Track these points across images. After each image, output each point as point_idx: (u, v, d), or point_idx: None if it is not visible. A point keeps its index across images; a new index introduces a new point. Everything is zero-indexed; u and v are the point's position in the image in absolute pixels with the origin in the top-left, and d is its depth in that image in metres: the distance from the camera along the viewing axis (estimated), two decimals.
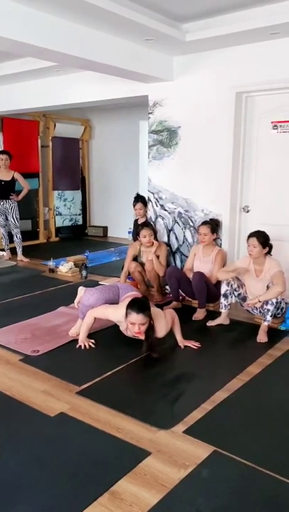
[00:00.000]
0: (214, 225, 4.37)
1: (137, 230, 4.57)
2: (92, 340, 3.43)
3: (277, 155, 4.22)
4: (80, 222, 8.61)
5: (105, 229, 8.57)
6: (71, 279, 5.43)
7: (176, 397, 2.72)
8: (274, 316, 3.78)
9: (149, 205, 5.07)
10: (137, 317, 3.01)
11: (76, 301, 4.09)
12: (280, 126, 4.16)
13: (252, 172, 4.42)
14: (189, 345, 3.42)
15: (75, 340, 3.49)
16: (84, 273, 5.44)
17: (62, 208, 8.23)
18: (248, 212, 4.53)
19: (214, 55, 4.25)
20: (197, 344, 3.44)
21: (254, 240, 3.70)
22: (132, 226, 6.20)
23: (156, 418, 2.49)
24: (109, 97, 5.18)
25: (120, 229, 8.13)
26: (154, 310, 3.27)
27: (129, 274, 4.77)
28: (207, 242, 4.35)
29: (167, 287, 4.59)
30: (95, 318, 3.41)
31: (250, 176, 4.43)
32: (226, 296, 3.92)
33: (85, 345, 3.39)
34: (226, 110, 4.26)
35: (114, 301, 3.55)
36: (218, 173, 4.43)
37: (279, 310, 3.81)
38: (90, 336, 3.48)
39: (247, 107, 4.31)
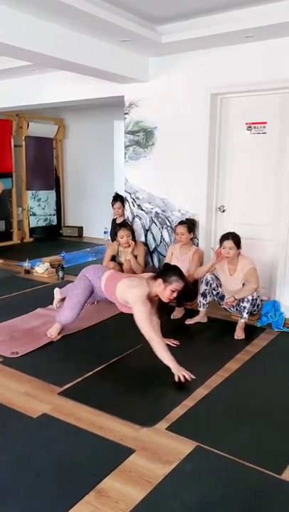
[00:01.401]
0: (191, 224, 4.43)
1: (114, 230, 4.58)
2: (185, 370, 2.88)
3: (251, 156, 4.31)
4: (55, 222, 8.55)
5: (80, 229, 8.54)
6: (48, 280, 5.39)
7: (158, 395, 2.76)
8: (250, 313, 3.87)
9: (127, 205, 5.09)
10: (181, 284, 3.07)
11: (55, 302, 4.08)
12: (254, 127, 4.26)
13: (227, 172, 4.50)
14: (168, 343, 3.41)
15: (55, 342, 3.48)
16: (61, 274, 5.41)
17: (36, 208, 8.15)
18: (223, 212, 4.60)
19: (189, 56, 4.31)
20: (176, 342, 3.47)
21: (230, 243, 3.76)
22: (107, 226, 6.20)
23: (138, 416, 2.51)
24: (85, 97, 5.17)
25: (95, 229, 8.10)
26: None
27: None
28: (184, 242, 4.40)
29: None
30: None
31: (226, 176, 4.51)
32: (204, 295, 3.98)
33: (185, 378, 2.82)
34: (202, 111, 4.32)
35: (92, 286, 3.52)
36: (194, 173, 4.49)
37: (255, 307, 3.90)
38: (69, 336, 3.46)
39: (222, 109, 4.38)
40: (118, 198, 5.56)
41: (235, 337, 3.69)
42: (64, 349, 3.42)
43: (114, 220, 5.68)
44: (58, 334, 3.59)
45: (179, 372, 2.82)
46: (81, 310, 3.56)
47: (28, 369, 3.04)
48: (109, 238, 5.86)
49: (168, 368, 2.87)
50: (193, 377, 2.83)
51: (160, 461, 2.14)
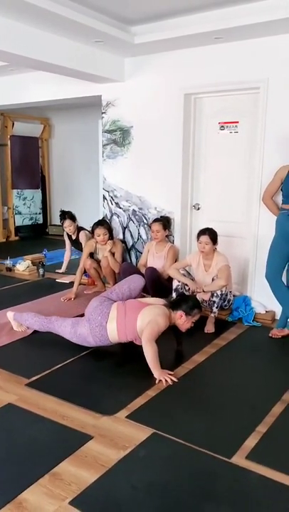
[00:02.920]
0: (166, 221, 4.52)
1: (92, 228, 4.66)
2: (172, 372, 2.95)
3: (224, 154, 4.41)
4: (41, 221, 8.61)
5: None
6: (28, 277, 5.46)
7: (122, 386, 2.84)
8: (222, 308, 3.97)
9: (105, 203, 5.17)
10: (200, 314, 3.26)
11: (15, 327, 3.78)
12: (227, 126, 4.35)
13: (201, 171, 4.59)
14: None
15: (27, 336, 3.56)
16: (41, 271, 5.48)
17: (21, 207, 8.21)
18: (198, 209, 4.70)
19: (163, 57, 4.40)
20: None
21: (206, 238, 3.87)
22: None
23: (101, 406, 2.60)
24: (64, 97, 5.26)
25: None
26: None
27: (85, 271, 4.85)
28: (160, 239, 4.49)
29: None
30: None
31: (200, 174, 4.61)
32: (177, 290, 4.07)
33: (166, 381, 2.86)
34: (176, 111, 4.41)
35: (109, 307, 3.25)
36: (169, 172, 4.58)
37: (226, 302, 4.00)
38: (42, 334, 3.52)
39: (196, 108, 4.48)
40: (66, 215, 5.20)
41: (206, 331, 3.78)
42: (36, 343, 3.49)
43: (70, 236, 5.39)
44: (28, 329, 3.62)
45: (162, 377, 2.87)
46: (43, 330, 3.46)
47: None
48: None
49: (133, 361, 2.95)
50: (175, 380, 2.87)
51: (116, 447, 2.23)
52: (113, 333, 3.14)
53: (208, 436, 2.34)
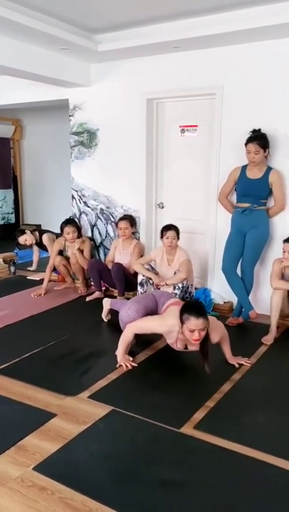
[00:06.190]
0: (131, 219, 4.77)
1: (60, 226, 4.86)
2: (132, 358, 3.16)
3: (185, 156, 4.68)
4: (13, 220, 8.72)
5: (38, 227, 8.73)
6: (0, 275, 5.62)
7: (86, 370, 3.07)
8: (183, 300, 4.22)
9: (73, 202, 5.38)
10: (197, 322, 2.68)
11: (104, 314, 4.05)
12: (187, 130, 4.63)
13: (164, 171, 4.86)
14: (242, 362, 3.17)
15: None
16: (12, 269, 5.65)
17: None
18: (162, 208, 4.96)
19: (126, 64, 4.64)
20: (250, 362, 3.20)
21: (173, 233, 4.14)
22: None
23: (65, 388, 2.82)
24: (33, 100, 5.44)
25: (54, 227, 8.28)
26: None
27: (54, 268, 5.04)
28: (127, 236, 4.73)
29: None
30: (136, 334, 3.14)
31: (163, 175, 4.87)
32: (142, 284, 4.31)
33: (126, 365, 3.07)
34: (139, 115, 4.66)
35: (153, 310, 3.40)
36: (134, 172, 4.82)
37: (187, 294, 4.26)
38: (15, 324, 3.71)
39: (158, 112, 4.74)
40: (24, 232, 5.66)
41: None
42: (8, 335, 3.68)
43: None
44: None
45: (122, 362, 3.09)
46: (144, 311, 3.35)
47: None
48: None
49: (99, 348, 3.17)
50: (135, 365, 3.10)
51: (77, 422, 2.46)
52: None
53: (161, 411, 2.59)
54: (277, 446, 2.28)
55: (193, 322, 2.70)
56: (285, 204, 3.93)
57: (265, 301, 4.03)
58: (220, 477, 2.06)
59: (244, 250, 3.95)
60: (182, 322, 2.76)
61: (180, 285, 4.06)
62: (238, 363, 3.16)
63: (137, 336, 3.28)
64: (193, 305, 2.81)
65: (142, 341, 3.54)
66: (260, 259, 4.04)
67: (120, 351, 3.14)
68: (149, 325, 3.07)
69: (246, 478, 2.06)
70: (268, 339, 3.61)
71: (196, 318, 2.69)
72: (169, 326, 2.92)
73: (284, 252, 3.65)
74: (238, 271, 4.00)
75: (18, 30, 3.70)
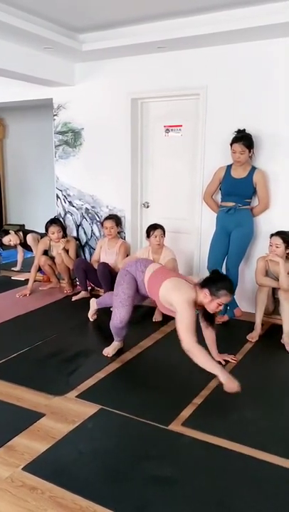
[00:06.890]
0: (117, 218, 4.78)
1: (45, 226, 4.84)
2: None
3: (170, 156, 4.71)
4: None
5: (22, 227, 8.66)
6: None
7: (74, 370, 3.08)
8: None
9: (58, 202, 5.37)
10: (230, 298, 2.92)
11: (90, 313, 4.06)
12: (172, 129, 4.66)
13: (149, 171, 4.88)
14: (228, 359, 3.25)
15: None
16: None
17: None
18: (148, 207, 4.98)
19: (111, 63, 4.65)
20: (235, 359, 3.29)
21: (160, 231, 4.16)
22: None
23: (53, 388, 2.82)
24: (15, 99, 5.39)
25: (38, 226, 8.24)
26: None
27: (39, 268, 5.01)
28: (113, 235, 4.74)
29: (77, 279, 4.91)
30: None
31: (148, 174, 4.89)
32: None
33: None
34: (123, 114, 4.67)
35: (136, 285, 3.25)
36: (119, 171, 4.83)
37: None
38: (1, 324, 3.69)
39: (143, 112, 4.75)
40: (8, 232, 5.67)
41: (154, 319, 4.07)
42: None
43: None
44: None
45: (230, 382, 2.62)
46: (132, 305, 3.25)
47: None
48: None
49: (86, 348, 3.18)
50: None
51: (66, 422, 2.46)
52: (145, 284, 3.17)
53: (149, 409, 2.61)
54: (264, 441, 2.33)
55: (229, 298, 2.89)
56: (268, 203, 3.99)
57: (249, 298, 4.09)
58: (209, 472, 2.09)
59: (229, 249, 4.00)
60: (214, 295, 2.79)
61: None
62: (224, 360, 3.21)
63: (126, 331, 3.35)
64: (230, 282, 2.93)
65: (129, 340, 3.55)
66: (244, 258, 4.09)
67: (214, 368, 2.67)
68: (187, 316, 2.77)
69: (235, 472, 2.09)
70: (253, 336, 3.66)
71: (231, 295, 2.92)
72: (191, 302, 2.83)
73: (271, 245, 3.61)
74: (224, 269, 4.05)
75: (1, 29, 3.67)
